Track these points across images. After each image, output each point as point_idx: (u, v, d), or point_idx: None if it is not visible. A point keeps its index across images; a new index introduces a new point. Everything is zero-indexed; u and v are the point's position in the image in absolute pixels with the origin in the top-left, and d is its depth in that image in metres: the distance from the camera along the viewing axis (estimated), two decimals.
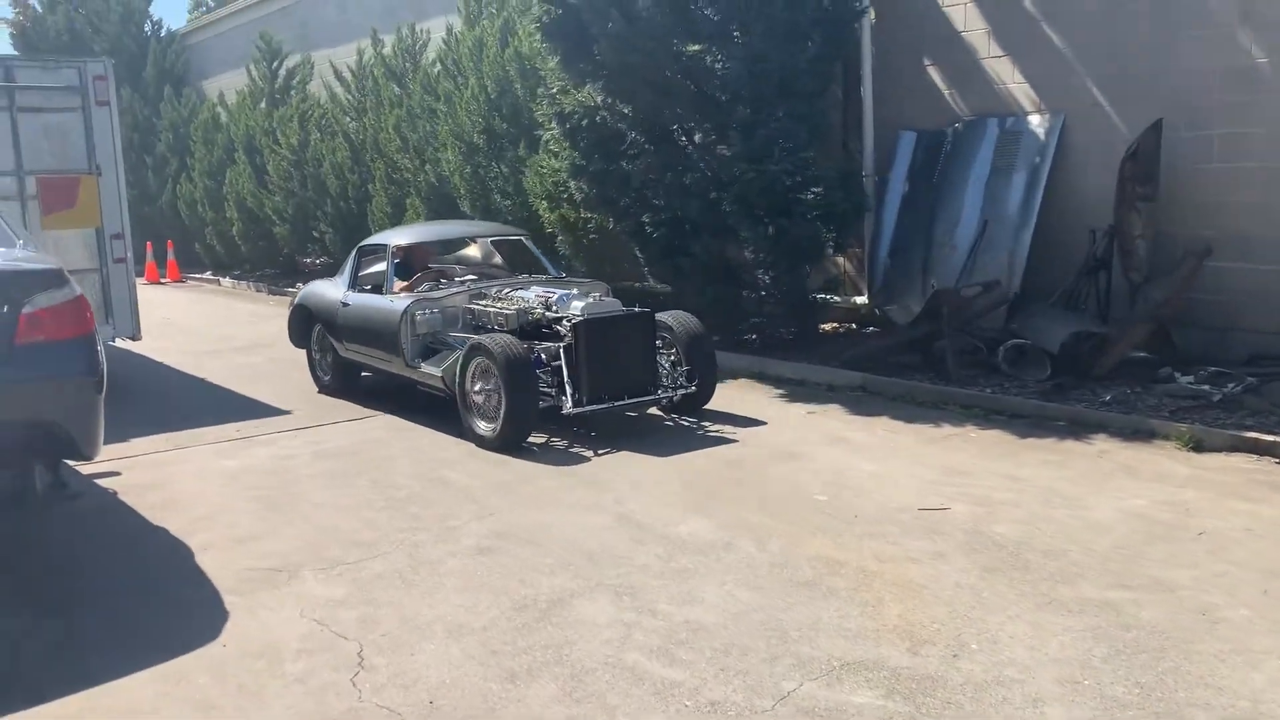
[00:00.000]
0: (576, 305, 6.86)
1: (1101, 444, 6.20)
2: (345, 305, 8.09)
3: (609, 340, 6.67)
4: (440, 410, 7.36)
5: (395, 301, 7.53)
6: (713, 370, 7.22)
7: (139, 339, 9.45)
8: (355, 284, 8.21)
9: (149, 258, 18.84)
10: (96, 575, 4.75)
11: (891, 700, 3.38)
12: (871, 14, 9.15)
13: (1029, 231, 8.12)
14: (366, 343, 7.82)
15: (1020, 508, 5.11)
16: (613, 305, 7.01)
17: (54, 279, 4.50)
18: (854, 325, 9.80)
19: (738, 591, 4.25)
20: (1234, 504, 5.07)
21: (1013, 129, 8.43)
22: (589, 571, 4.54)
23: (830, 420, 7.08)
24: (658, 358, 7.03)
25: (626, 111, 9.19)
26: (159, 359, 10.49)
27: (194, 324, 13.29)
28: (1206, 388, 6.80)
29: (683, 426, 7.02)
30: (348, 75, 15.74)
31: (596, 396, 6.59)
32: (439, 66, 13.11)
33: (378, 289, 7.96)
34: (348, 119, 15.41)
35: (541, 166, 10.42)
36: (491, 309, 7.29)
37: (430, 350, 7.38)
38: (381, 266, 8.07)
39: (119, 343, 9.48)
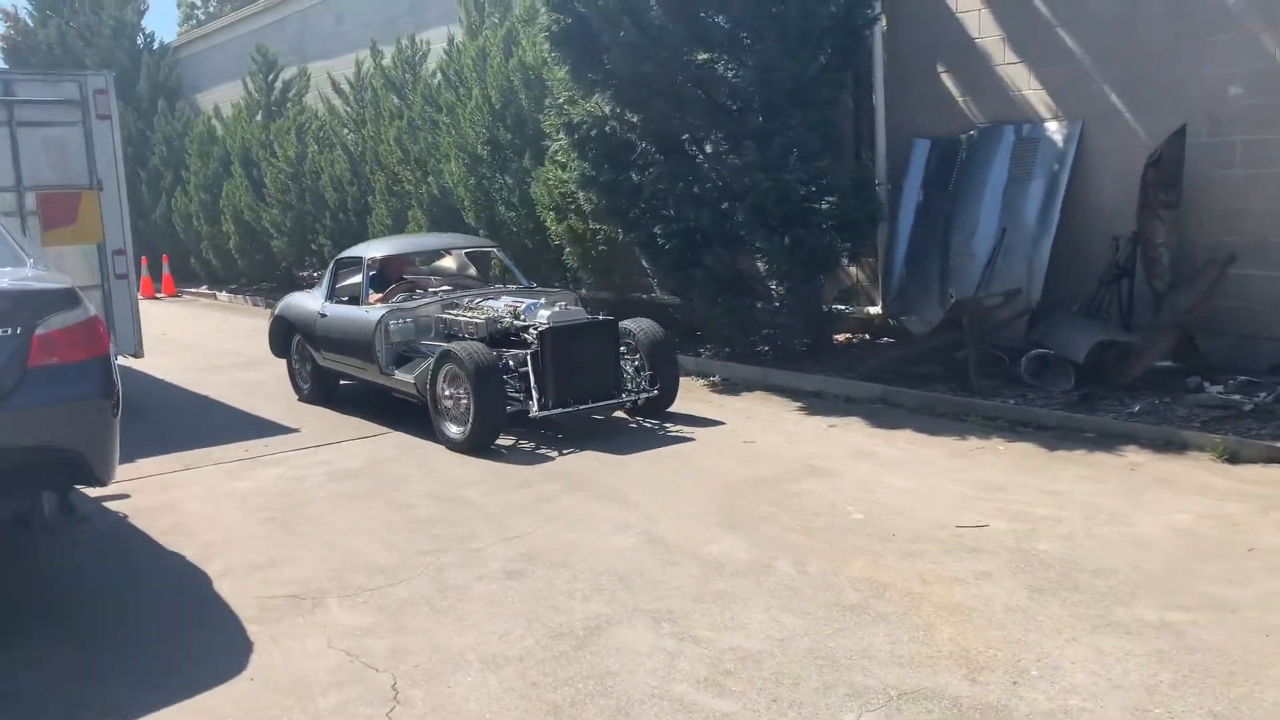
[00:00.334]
0: (543, 314, 7.11)
1: (1133, 456, 6.08)
2: (323, 316, 8.34)
3: (574, 347, 6.98)
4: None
5: (370, 312, 7.78)
6: (674, 374, 7.52)
7: (141, 356, 9.29)
8: (333, 295, 8.44)
9: (144, 272, 18.62)
10: (111, 605, 4.59)
11: None
12: (883, 21, 9.05)
13: (1049, 240, 8.01)
14: (343, 352, 8.08)
15: (1062, 524, 4.98)
16: (578, 314, 7.39)
17: (67, 299, 4.34)
18: (868, 336, 9.67)
19: (781, 616, 4.10)
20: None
21: (1030, 136, 8.32)
22: (623, 596, 4.39)
23: (853, 434, 6.95)
24: (621, 363, 7.35)
25: (636, 121, 9.08)
26: (160, 376, 10.31)
27: (193, 339, 13.11)
28: (1237, 397, 6.69)
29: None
30: (346, 87, 15.59)
31: (562, 400, 6.89)
32: (440, 77, 12.98)
33: (354, 300, 8.22)
34: (346, 131, 15.27)
35: (548, 177, 10.29)
36: (462, 318, 7.55)
37: (404, 358, 7.63)
38: (358, 278, 8.32)
39: (120, 360, 9.29)
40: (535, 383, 6.90)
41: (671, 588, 4.45)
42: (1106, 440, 6.37)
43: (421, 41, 14.36)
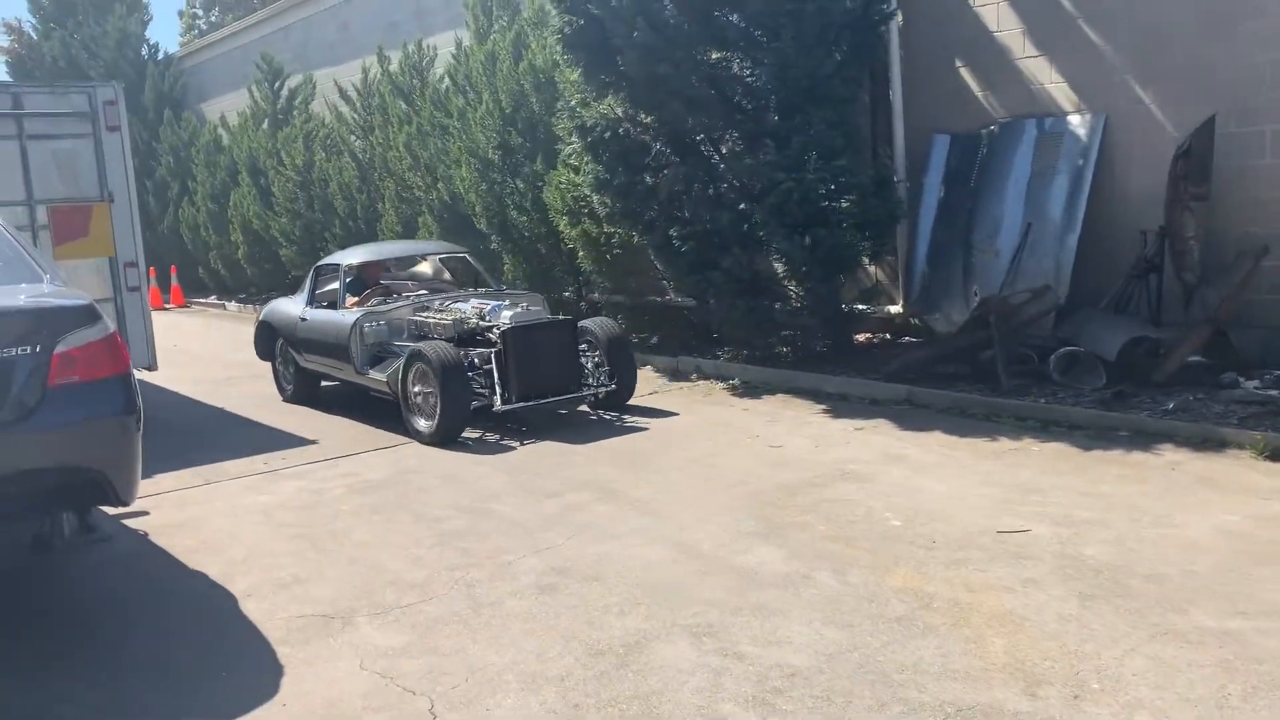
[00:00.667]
0: (506, 315, 7.54)
1: (1171, 455, 5.95)
2: (304, 320, 8.83)
3: (534, 345, 7.41)
4: (471, 439, 7.29)
5: (346, 315, 8.24)
6: (631, 370, 7.98)
7: (155, 369, 9.19)
8: (313, 300, 8.93)
9: (153, 283, 18.53)
10: (135, 627, 4.47)
11: None
12: (899, 16, 8.93)
13: (1075, 235, 7.88)
14: (323, 353, 8.55)
15: (1106, 527, 4.85)
16: (539, 314, 7.91)
17: (86, 315, 4.23)
18: (888, 335, 9.55)
19: (826, 630, 3.98)
20: None
21: (1053, 130, 8.19)
22: (660, 610, 4.27)
23: (881, 436, 6.83)
24: (582, 360, 7.78)
25: (650, 122, 8.97)
26: (173, 388, 10.22)
27: (204, 350, 13.02)
28: (1274, 392, 6.55)
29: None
30: (353, 94, 15.50)
31: (524, 395, 7.33)
32: (448, 82, 12.87)
33: (332, 305, 8.66)
34: (354, 138, 15.18)
35: (561, 181, 10.17)
36: (431, 320, 8.00)
37: (378, 358, 8.07)
38: (335, 284, 8.79)
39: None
40: (499, 379, 7.35)
41: (709, 600, 4.33)
42: (1142, 439, 6.25)
43: (429, 47, 14.26)
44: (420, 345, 7.40)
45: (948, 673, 3.59)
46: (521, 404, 7.31)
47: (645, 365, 9.79)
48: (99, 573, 5.16)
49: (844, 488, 5.73)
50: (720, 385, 8.75)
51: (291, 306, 9.22)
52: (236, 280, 18.52)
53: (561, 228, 10.36)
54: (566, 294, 11.34)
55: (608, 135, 9.03)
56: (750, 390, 8.49)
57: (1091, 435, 6.41)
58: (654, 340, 10.54)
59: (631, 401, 7.97)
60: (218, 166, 18.52)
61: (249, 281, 18.21)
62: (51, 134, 8.34)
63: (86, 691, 3.88)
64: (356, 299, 8.63)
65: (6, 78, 24.07)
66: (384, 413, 8.09)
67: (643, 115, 8.95)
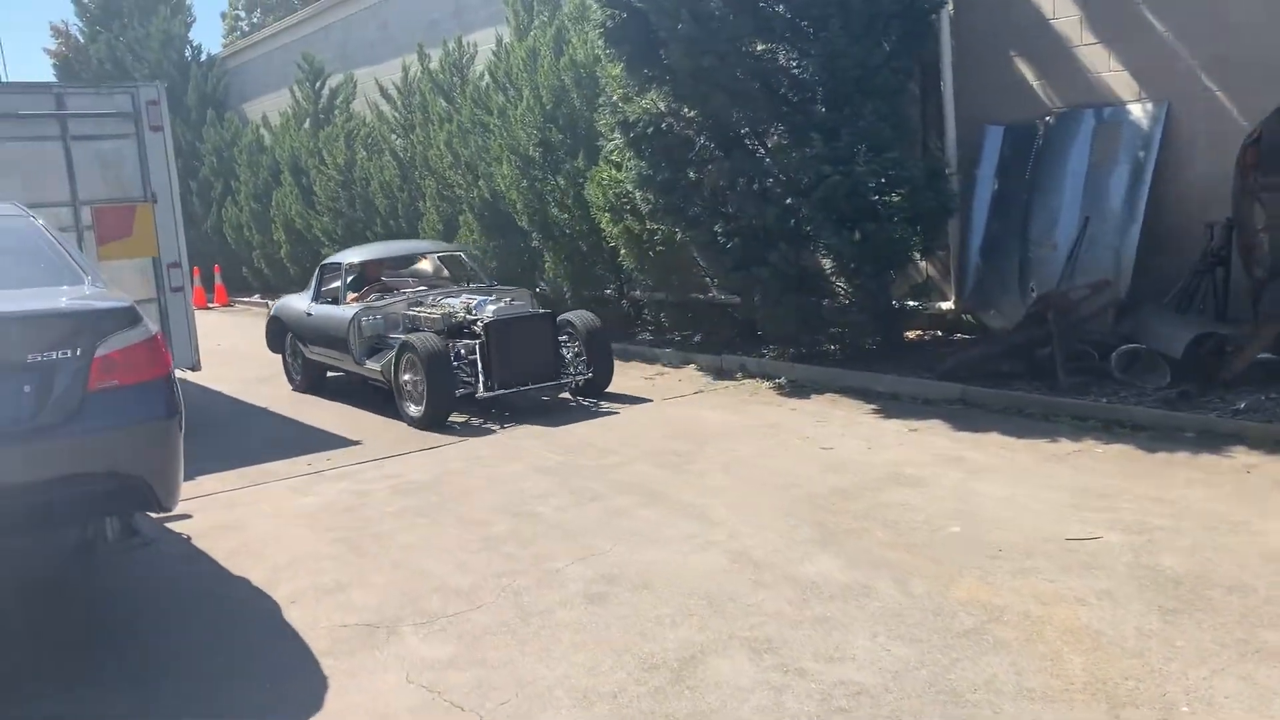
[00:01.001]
0: (490, 309, 8.13)
1: (1244, 457, 5.69)
2: (309, 315, 9.47)
3: (515, 336, 7.94)
4: (513, 440, 7.26)
5: (346, 310, 8.88)
6: (609, 359, 8.47)
7: (198, 369, 9.17)
8: (318, 296, 9.53)
9: (196, 282, 18.68)
10: (176, 635, 4.39)
11: None
12: (950, 4, 8.68)
13: (1136, 228, 7.60)
14: (326, 345, 9.17)
15: (1182, 535, 4.62)
16: (522, 309, 8.39)
17: (127, 318, 4.14)
18: (939, 332, 9.31)
19: (891, 644, 3.80)
20: None
21: (1112, 120, 7.91)
22: (715, 621, 4.11)
23: (936, 438, 6.61)
24: (562, 350, 8.29)
25: (694, 116, 8.80)
26: (216, 387, 10.22)
27: (247, 349, 13.02)
28: None
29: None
30: (393, 92, 15.47)
31: (505, 382, 7.89)
32: (488, 79, 12.78)
33: (334, 300, 9.28)
34: (395, 136, 15.14)
35: (603, 178, 10.03)
36: (423, 314, 8.54)
37: (375, 350, 8.65)
38: (338, 282, 9.38)
39: (176, 374, 9.19)
40: (482, 368, 7.87)
41: (766, 612, 4.16)
42: (1211, 440, 5.99)
43: (469, 44, 14.17)
44: (410, 337, 7.94)
45: (1024, 692, 3.40)
46: (503, 391, 7.87)
47: (689, 364, 9.65)
48: (141, 578, 5.09)
49: (900, 492, 5.53)
50: (766, 384, 8.57)
51: (299, 302, 9.86)
52: (280, 279, 18.58)
53: (603, 225, 10.23)
54: (608, 291, 11.20)
55: (650, 130, 8.88)
56: (797, 389, 8.29)
57: (1157, 436, 6.16)
58: (697, 338, 10.36)
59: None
60: (260, 166, 18.60)
61: (292, 280, 18.22)
62: (95, 135, 8.33)
63: (122, 700, 3.79)
64: (357, 295, 9.25)
65: (53, 79, 24.40)
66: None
67: (686, 109, 8.79)
